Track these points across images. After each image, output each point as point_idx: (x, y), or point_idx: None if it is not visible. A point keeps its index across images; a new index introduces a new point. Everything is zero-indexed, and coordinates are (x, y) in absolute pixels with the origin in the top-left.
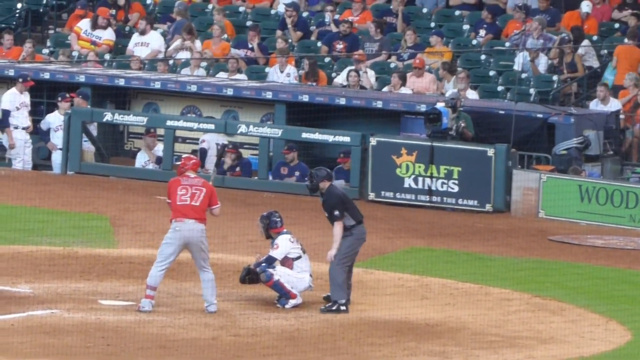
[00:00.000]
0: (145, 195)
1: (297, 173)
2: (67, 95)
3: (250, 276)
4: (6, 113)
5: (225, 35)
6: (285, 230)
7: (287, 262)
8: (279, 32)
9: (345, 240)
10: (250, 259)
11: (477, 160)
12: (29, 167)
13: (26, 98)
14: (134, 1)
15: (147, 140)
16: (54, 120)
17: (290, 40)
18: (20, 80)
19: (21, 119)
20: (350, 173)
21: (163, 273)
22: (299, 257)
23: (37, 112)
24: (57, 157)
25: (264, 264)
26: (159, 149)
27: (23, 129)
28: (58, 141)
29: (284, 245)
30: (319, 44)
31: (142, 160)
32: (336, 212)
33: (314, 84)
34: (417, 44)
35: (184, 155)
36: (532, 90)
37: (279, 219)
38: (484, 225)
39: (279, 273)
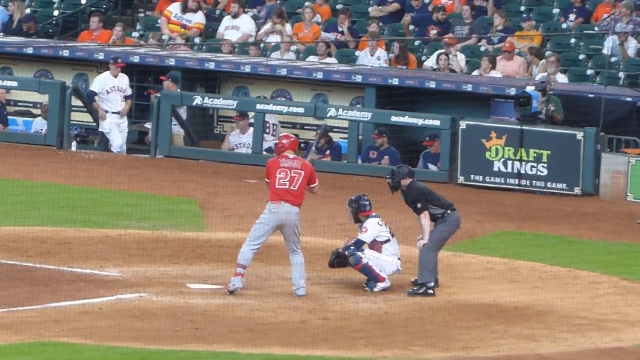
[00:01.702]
0: (235, 179)
1: (386, 157)
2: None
3: (339, 260)
4: (91, 94)
5: (316, 19)
6: (373, 213)
7: (375, 245)
8: (374, 7)
9: (438, 226)
10: (340, 243)
11: (566, 144)
12: (123, 152)
13: (120, 82)
14: None
15: (239, 124)
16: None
17: (381, 24)
18: (112, 61)
19: (112, 102)
20: (436, 156)
21: (254, 253)
22: (388, 241)
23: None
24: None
25: (352, 248)
26: (250, 132)
27: (113, 113)
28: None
29: (373, 228)
30: (411, 27)
31: (233, 142)
32: (419, 205)
33: (404, 67)
34: (507, 28)
35: (281, 134)
36: (621, 74)
37: (367, 202)
38: (572, 208)
39: (368, 256)
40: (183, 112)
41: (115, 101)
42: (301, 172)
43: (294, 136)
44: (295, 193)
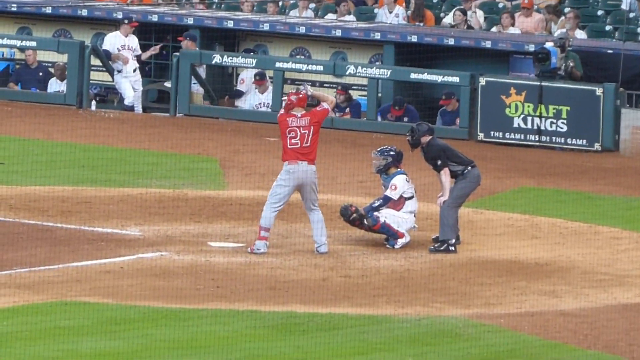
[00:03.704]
0: (255, 137)
1: (405, 119)
2: (133, 19)
3: (360, 220)
4: (107, 53)
5: None
6: (401, 169)
7: (400, 200)
8: None
9: (458, 182)
10: (360, 200)
11: (586, 100)
12: (136, 105)
13: (131, 41)
14: None
15: (259, 87)
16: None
17: None
18: (126, 21)
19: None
20: (453, 114)
21: (276, 214)
22: (412, 197)
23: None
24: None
25: (374, 206)
26: (270, 91)
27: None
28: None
29: (402, 185)
30: None
31: (253, 102)
32: (439, 162)
33: (421, 24)
34: None
35: (289, 91)
36: None
37: (402, 154)
38: (592, 164)
39: (384, 214)
40: (202, 71)
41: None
42: (310, 127)
43: (301, 92)
44: (308, 150)
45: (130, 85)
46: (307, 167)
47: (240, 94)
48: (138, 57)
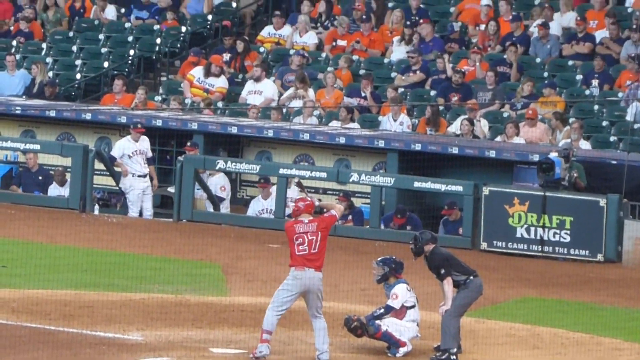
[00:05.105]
0: (258, 243)
1: (408, 227)
2: (139, 125)
3: (361, 329)
4: (111, 158)
5: (338, 84)
6: (402, 278)
7: (401, 310)
8: (399, 77)
9: (460, 292)
10: (363, 308)
11: (589, 210)
12: (150, 216)
13: (142, 145)
14: (253, 49)
15: (263, 191)
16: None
17: (402, 90)
18: (132, 127)
19: (136, 166)
20: (456, 224)
21: (278, 318)
22: (413, 306)
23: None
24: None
25: (380, 313)
26: (273, 198)
27: (139, 176)
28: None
29: (403, 294)
30: (432, 92)
31: (256, 208)
32: (442, 271)
33: (434, 131)
34: (531, 94)
35: (296, 198)
36: None
37: (402, 264)
38: (595, 275)
39: (386, 323)
40: (205, 177)
41: (138, 164)
42: (318, 233)
43: (309, 199)
44: (317, 255)
45: (146, 197)
46: (314, 274)
47: (221, 201)
48: (149, 161)
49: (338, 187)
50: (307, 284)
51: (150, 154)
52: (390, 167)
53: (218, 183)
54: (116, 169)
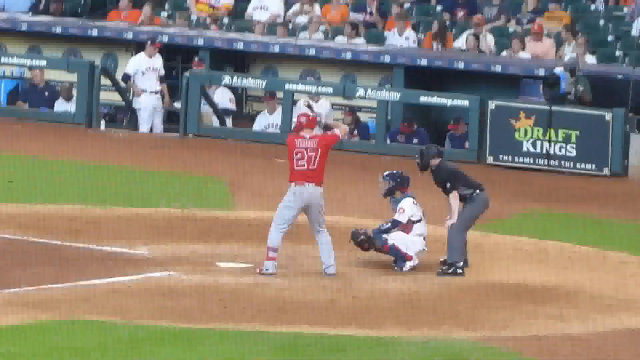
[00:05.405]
0: (264, 158)
1: (415, 140)
2: (157, 41)
3: (368, 243)
4: (125, 76)
5: None
6: (409, 192)
7: (407, 224)
8: None
9: (466, 206)
10: (369, 222)
11: (595, 125)
12: (160, 132)
13: (155, 62)
14: None
15: (268, 104)
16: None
17: (408, 5)
18: (149, 42)
19: (148, 82)
20: (462, 138)
21: (282, 235)
22: (420, 220)
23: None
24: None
25: (383, 229)
26: (279, 112)
27: (151, 92)
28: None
29: (410, 208)
30: (438, 8)
31: (262, 122)
32: (448, 185)
33: (441, 46)
34: (536, 9)
35: (299, 112)
36: None
37: (408, 178)
38: (601, 189)
39: (393, 237)
40: (212, 93)
41: (150, 81)
42: (317, 150)
43: (311, 114)
44: (315, 172)
45: (156, 113)
46: (314, 188)
47: (231, 112)
48: (161, 78)
49: (344, 102)
50: (308, 199)
51: (162, 72)
52: (396, 82)
53: (226, 95)
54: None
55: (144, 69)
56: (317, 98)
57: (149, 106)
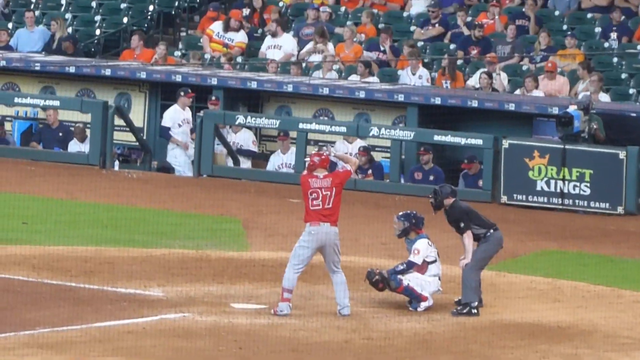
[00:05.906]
0: (278, 198)
1: (431, 177)
2: (190, 90)
3: (382, 283)
4: (165, 130)
5: (358, 38)
6: (424, 233)
7: (422, 265)
8: (418, 30)
9: (480, 245)
10: (384, 262)
11: (609, 163)
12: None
13: (188, 114)
14: (269, 4)
15: (283, 144)
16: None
17: (422, 44)
18: (182, 93)
19: (182, 136)
20: (475, 178)
21: (298, 275)
22: (435, 261)
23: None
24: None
25: (402, 268)
26: (292, 152)
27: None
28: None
29: (424, 249)
30: (452, 46)
31: (275, 162)
32: (462, 224)
33: (449, 82)
34: (549, 47)
35: (312, 152)
36: None
37: (424, 219)
38: (615, 227)
39: (408, 277)
40: (226, 132)
41: (185, 135)
42: (332, 189)
43: (324, 154)
44: (331, 211)
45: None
46: (329, 228)
47: (252, 154)
48: (192, 130)
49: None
50: (323, 239)
51: (191, 124)
52: (410, 120)
53: (249, 137)
54: (170, 146)
55: (180, 122)
56: (352, 139)
57: (188, 162)
